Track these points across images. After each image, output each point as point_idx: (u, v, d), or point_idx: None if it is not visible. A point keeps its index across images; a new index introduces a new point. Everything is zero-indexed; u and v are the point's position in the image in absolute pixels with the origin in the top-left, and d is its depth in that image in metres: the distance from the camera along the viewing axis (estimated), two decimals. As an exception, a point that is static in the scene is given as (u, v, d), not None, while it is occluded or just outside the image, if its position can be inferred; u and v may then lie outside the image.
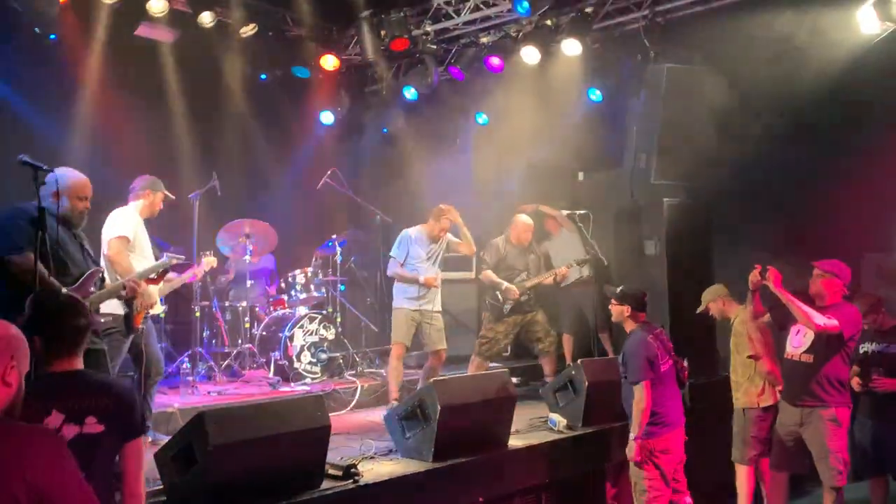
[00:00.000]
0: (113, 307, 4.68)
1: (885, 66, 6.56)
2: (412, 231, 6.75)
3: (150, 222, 5.53)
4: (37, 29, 6.49)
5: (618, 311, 5.10)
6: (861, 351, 5.27)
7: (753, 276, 5.03)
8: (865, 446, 5.30)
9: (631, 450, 4.81)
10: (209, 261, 6.48)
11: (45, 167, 3.57)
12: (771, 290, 4.93)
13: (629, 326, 5.06)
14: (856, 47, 6.48)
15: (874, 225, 7.31)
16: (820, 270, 4.95)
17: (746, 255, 7.18)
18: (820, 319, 4.69)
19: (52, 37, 6.78)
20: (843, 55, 6.51)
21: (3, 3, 6.18)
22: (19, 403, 2.11)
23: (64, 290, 4.02)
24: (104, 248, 5.11)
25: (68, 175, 4.29)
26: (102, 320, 4.52)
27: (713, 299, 5.70)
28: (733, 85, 7.27)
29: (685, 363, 5.15)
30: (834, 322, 4.69)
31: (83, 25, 6.89)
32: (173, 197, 5.81)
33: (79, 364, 2.81)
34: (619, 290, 5.15)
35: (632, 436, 4.82)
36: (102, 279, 4.50)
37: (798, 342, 4.96)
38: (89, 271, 4.25)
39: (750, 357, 5.38)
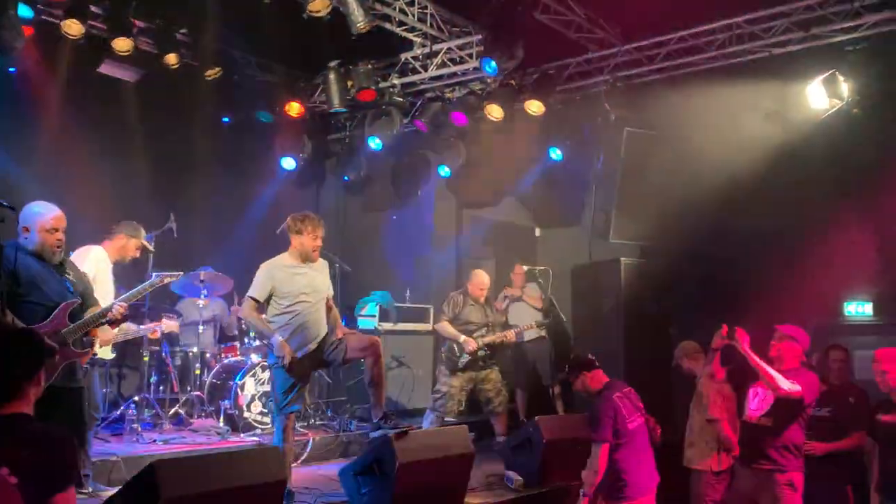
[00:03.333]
0: None
1: (834, 140, 6.87)
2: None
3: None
4: (-5, 62, 6.37)
5: (577, 383, 5.14)
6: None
7: (718, 335, 5.10)
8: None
9: None
10: (170, 325, 6.48)
11: (5, 203, 3.46)
12: (732, 351, 5.00)
13: (595, 389, 5.09)
14: (807, 121, 6.78)
15: (821, 291, 7.55)
16: (781, 333, 5.04)
17: (700, 316, 7.34)
18: (785, 384, 4.76)
19: (12, 70, 6.66)
20: (795, 128, 6.81)
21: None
22: None
23: (20, 325, 3.86)
24: None
25: (38, 209, 4.24)
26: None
27: (687, 355, 5.74)
28: (690, 151, 7.51)
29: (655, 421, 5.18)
30: (797, 388, 4.76)
31: (45, 59, 6.80)
32: (151, 249, 5.75)
33: (17, 408, 2.64)
34: (565, 371, 5.21)
35: (581, 491, 4.79)
36: (82, 310, 4.34)
37: (757, 406, 5.02)
38: (61, 305, 4.13)
39: (709, 420, 5.41)
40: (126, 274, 6.00)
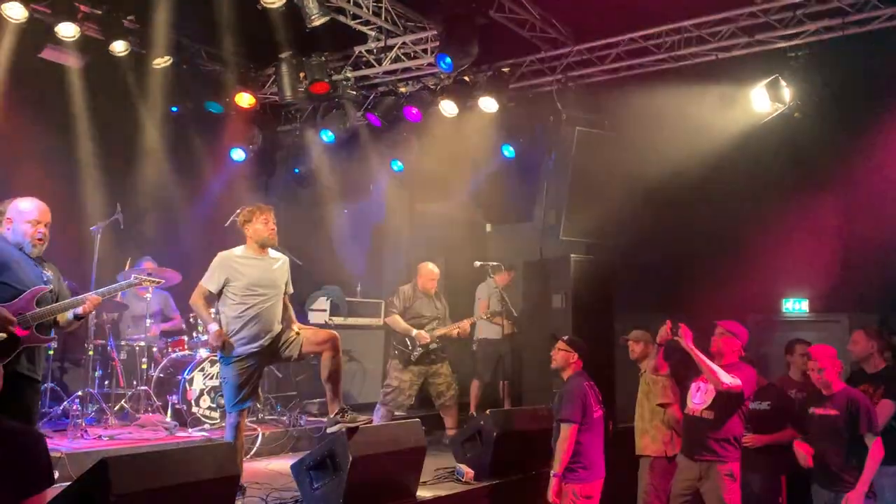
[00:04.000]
0: None
1: (775, 142, 7.13)
2: None
3: (50, 253, 5.24)
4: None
5: (564, 357, 5.24)
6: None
7: (663, 331, 5.25)
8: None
9: (550, 487, 4.93)
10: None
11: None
12: (676, 346, 5.16)
13: (569, 373, 5.20)
14: (750, 124, 7.02)
15: (760, 288, 7.84)
16: (722, 329, 5.21)
17: (644, 311, 7.54)
18: (726, 378, 4.92)
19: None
20: (740, 129, 7.03)
21: None
22: None
23: None
24: None
25: (19, 202, 4.29)
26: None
27: (644, 340, 5.83)
28: (639, 150, 7.70)
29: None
30: (738, 381, 4.94)
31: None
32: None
33: None
34: (567, 337, 5.30)
35: (552, 472, 4.93)
36: (55, 300, 4.28)
37: (699, 399, 5.18)
38: (30, 289, 4.10)
39: (660, 405, 5.57)
40: (71, 262, 5.88)
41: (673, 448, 5.53)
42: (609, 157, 7.79)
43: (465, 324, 7.32)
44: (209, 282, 5.06)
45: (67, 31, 6.78)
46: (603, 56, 7.69)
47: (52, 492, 3.69)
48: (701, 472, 5.13)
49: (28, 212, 4.27)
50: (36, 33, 6.83)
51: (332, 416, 4.88)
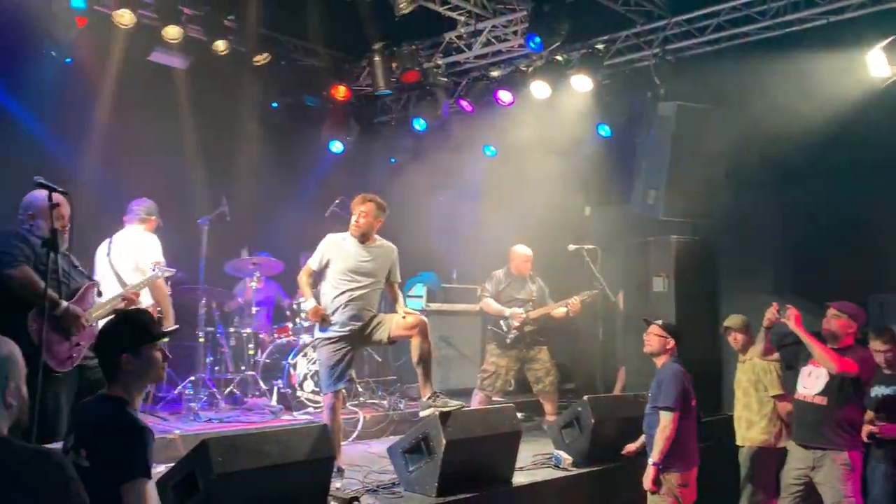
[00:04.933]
0: None
1: (894, 109, 6.59)
2: None
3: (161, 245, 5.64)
4: (53, 52, 6.54)
5: (660, 342, 5.07)
6: (872, 395, 5.18)
7: (770, 313, 4.99)
8: (880, 495, 5.14)
9: (647, 476, 4.79)
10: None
11: (59, 189, 3.57)
12: (783, 329, 4.90)
13: (664, 359, 5.04)
14: (865, 90, 6.51)
15: (880, 266, 7.28)
16: (835, 311, 4.89)
17: (752, 293, 7.18)
18: (839, 361, 4.64)
19: (68, 60, 6.85)
20: (853, 98, 6.55)
21: (22, 25, 6.24)
22: (23, 420, 2.10)
23: (64, 303, 4.00)
24: (150, 269, 5.29)
25: (39, 196, 4.17)
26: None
27: (746, 328, 5.57)
28: (742, 124, 7.30)
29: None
30: (853, 365, 4.64)
31: (99, 49, 6.98)
32: (161, 224, 6.05)
33: (116, 391, 2.76)
34: (662, 321, 5.15)
35: (650, 461, 4.79)
36: (100, 293, 4.47)
37: (810, 384, 4.90)
38: (86, 284, 4.24)
39: (774, 396, 5.31)
40: (180, 254, 6.18)
41: (784, 440, 5.27)
42: (711, 133, 7.42)
43: (556, 307, 7.07)
44: (313, 260, 5.37)
45: (172, 33, 7.12)
46: (702, 27, 7.34)
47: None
48: (814, 460, 4.87)
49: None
50: (145, 37, 7.22)
51: (424, 399, 4.93)
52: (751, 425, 5.47)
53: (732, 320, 5.62)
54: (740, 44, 7.24)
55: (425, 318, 5.24)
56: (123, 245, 5.71)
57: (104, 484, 2.50)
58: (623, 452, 5.59)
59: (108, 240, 5.76)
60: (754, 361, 5.48)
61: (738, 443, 5.54)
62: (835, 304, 4.94)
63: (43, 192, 4.00)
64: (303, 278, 5.38)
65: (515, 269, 7.13)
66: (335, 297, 5.20)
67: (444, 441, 4.64)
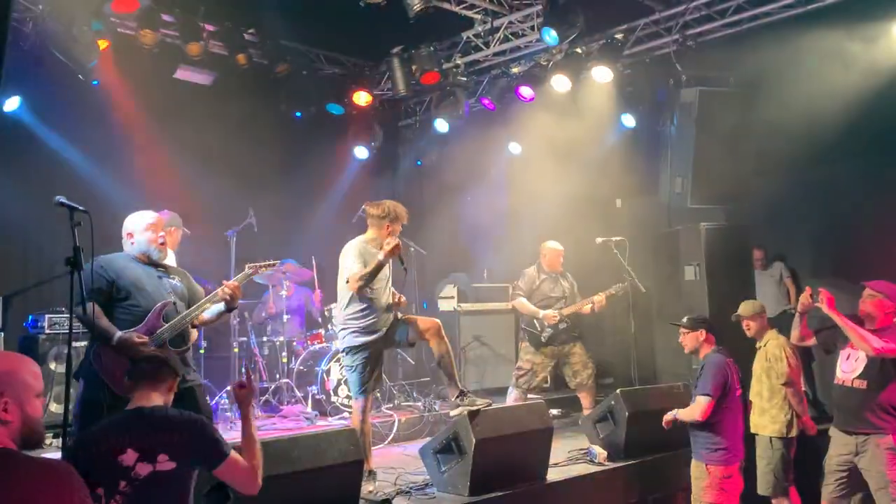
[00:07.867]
0: None
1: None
2: None
3: (182, 258, 5.68)
4: (80, 76, 6.70)
5: (692, 338, 5.03)
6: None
7: (804, 298, 4.89)
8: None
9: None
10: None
11: (80, 208, 3.60)
12: (820, 314, 4.78)
13: (705, 351, 4.99)
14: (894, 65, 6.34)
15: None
16: (871, 291, 4.76)
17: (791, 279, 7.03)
18: (877, 343, 4.52)
19: (95, 83, 7.01)
20: (884, 69, 6.37)
21: (48, 49, 6.41)
22: (34, 436, 2.14)
23: (119, 334, 3.98)
24: None
25: (133, 215, 4.34)
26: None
27: (758, 315, 5.43)
28: (771, 105, 7.15)
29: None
30: (892, 345, 4.51)
31: (124, 70, 7.14)
32: (189, 232, 6.04)
33: (157, 399, 2.97)
34: (686, 318, 5.08)
35: (673, 414, 5.00)
36: (177, 310, 4.29)
37: (849, 367, 4.78)
38: (155, 307, 4.16)
39: (784, 384, 5.18)
40: (208, 266, 6.27)
41: (794, 429, 5.13)
42: (736, 117, 7.30)
43: (601, 297, 6.99)
44: (355, 265, 5.02)
45: (195, 50, 7.24)
46: (722, 10, 7.21)
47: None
48: (857, 445, 4.76)
49: (146, 218, 4.32)
50: (168, 56, 7.37)
51: (452, 399, 4.92)
52: (762, 413, 5.31)
53: (743, 308, 5.46)
54: (762, 24, 7.09)
55: (438, 321, 5.21)
56: None
57: (188, 476, 2.88)
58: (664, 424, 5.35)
59: None
60: (766, 349, 5.34)
61: (752, 430, 5.40)
62: (870, 284, 4.82)
63: (139, 212, 4.33)
64: (356, 285, 4.99)
65: (548, 266, 7.07)
66: (369, 304, 5.08)
67: (473, 440, 4.64)
